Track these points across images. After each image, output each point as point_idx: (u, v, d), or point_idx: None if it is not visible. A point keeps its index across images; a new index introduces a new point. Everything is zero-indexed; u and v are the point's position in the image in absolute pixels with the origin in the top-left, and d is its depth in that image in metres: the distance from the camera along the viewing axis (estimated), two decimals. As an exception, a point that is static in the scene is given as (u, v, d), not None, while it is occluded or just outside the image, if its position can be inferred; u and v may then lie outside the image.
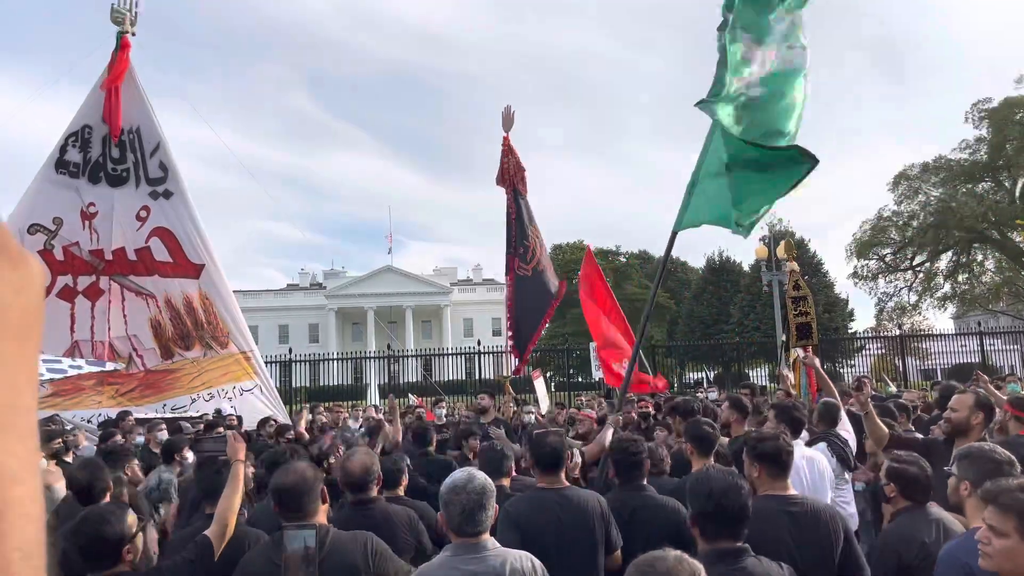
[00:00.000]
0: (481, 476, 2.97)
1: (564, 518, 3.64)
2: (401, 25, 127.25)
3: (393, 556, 3.20)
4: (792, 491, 3.53)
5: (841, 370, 30.65)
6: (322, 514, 3.15)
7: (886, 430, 4.82)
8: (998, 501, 2.39)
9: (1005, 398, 7.74)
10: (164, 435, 8.28)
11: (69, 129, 13.45)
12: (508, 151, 12.35)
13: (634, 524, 3.84)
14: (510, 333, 12.61)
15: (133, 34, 13.81)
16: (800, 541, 3.20)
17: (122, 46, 13.57)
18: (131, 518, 3.02)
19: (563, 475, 3.88)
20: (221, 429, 8.85)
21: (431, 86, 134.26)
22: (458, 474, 2.99)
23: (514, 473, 4.60)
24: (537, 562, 2.91)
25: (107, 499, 4.15)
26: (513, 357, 12.46)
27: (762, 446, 3.55)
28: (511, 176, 12.44)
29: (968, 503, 2.85)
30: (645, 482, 4.12)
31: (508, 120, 12.45)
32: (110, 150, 13.46)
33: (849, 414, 6.10)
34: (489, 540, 2.89)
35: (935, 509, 3.33)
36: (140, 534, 3.07)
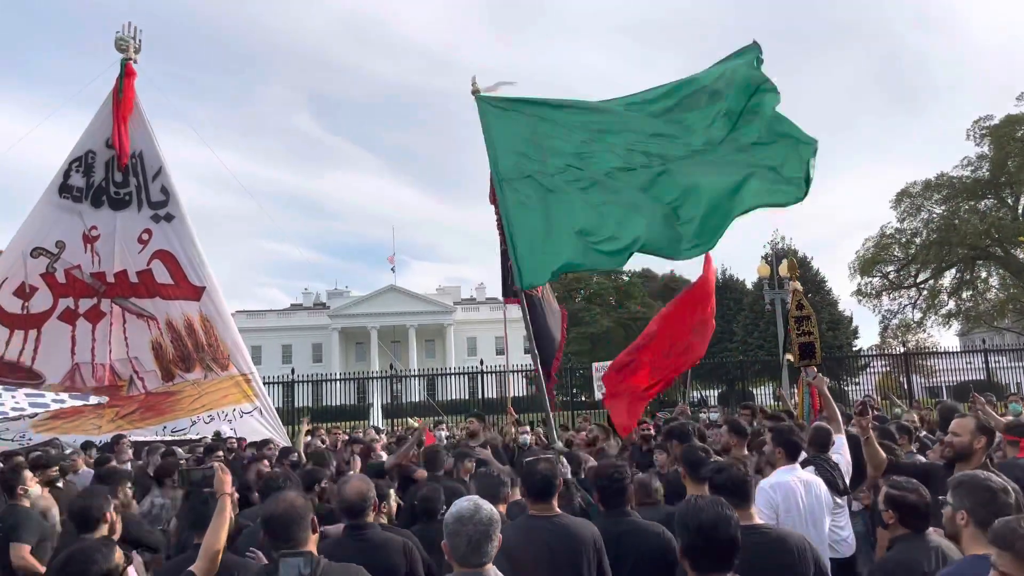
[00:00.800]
0: (487, 507, 2.90)
1: (555, 547, 3.57)
2: (403, 46, 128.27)
3: None
4: (756, 520, 3.53)
5: (845, 388, 30.54)
6: (312, 544, 3.09)
7: (884, 456, 4.77)
8: (1015, 548, 2.26)
9: (1005, 421, 7.72)
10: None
11: (73, 154, 13.58)
12: None
13: (620, 550, 3.80)
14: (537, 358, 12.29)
15: (136, 61, 13.97)
16: (763, 572, 3.13)
17: (127, 73, 13.74)
18: (117, 555, 2.98)
19: (555, 502, 3.81)
20: (221, 453, 8.84)
21: (433, 106, 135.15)
22: (463, 503, 2.90)
23: (513, 497, 4.57)
24: None
25: (104, 527, 4.10)
26: (545, 381, 12.17)
27: (719, 477, 3.58)
28: None
29: (965, 532, 2.79)
30: (630, 508, 4.08)
31: None
32: (113, 174, 13.59)
33: (850, 436, 6.05)
34: (491, 569, 2.83)
35: (934, 536, 3.29)
36: (127, 569, 3.03)
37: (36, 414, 8.27)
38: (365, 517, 3.77)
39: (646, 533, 3.87)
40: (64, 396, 7.93)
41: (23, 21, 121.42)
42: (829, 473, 5.13)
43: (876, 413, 11.48)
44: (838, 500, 5.15)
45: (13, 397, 7.09)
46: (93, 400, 9.53)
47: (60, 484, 6.86)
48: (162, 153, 13.85)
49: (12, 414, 6.99)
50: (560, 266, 6.28)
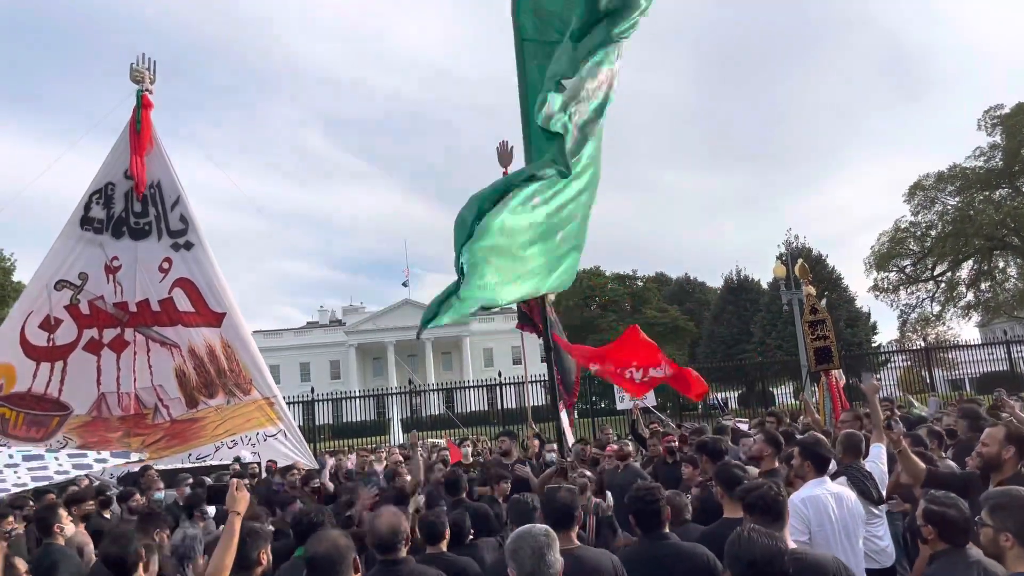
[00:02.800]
0: (542, 524, 3.00)
1: None
2: (411, 62, 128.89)
3: None
4: (790, 542, 3.43)
5: (860, 385, 30.28)
6: None
7: (923, 466, 4.67)
8: None
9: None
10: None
11: (92, 187, 13.77)
12: None
13: (661, 574, 3.77)
14: (559, 377, 12.38)
15: (152, 92, 14.15)
16: None
17: (144, 104, 13.92)
18: None
19: (574, 534, 3.75)
20: (246, 481, 8.88)
21: (442, 119, 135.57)
22: (522, 527, 3.01)
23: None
24: None
25: (139, 572, 4.03)
26: (566, 399, 12.26)
27: (750, 496, 3.54)
28: None
29: (1010, 554, 2.76)
30: (667, 530, 4.05)
31: (505, 156, 12.40)
32: (132, 204, 13.77)
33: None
34: None
35: (975, 551, 3.26)
36: None
37: (80, 476, 8.33)
38: (397, 552, 3.72)
39: (688, 555, 3.83)
40: (106, 455, 7.96)
41: (38, 49, 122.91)
42: (862, 482, 5.04)
43: (900, 413, 11.40)
44: (874, 510, 5.09)
45: (56, 459, 7.15)
46: (135, 457, 9.61)
47: (107, 515, 6.91)
48: (179, 182, 14.01)
49: (57, 478, 7.05)
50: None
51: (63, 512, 5.82)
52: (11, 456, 7.02)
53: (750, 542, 2.71)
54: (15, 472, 6.80)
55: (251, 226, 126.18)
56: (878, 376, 31.48)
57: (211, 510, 6.86)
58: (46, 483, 7.14)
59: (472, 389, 28.79)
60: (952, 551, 3.30)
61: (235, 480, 3.76)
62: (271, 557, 3.87)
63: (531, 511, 4.16)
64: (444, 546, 4.50)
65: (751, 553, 2.67)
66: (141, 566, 4.06)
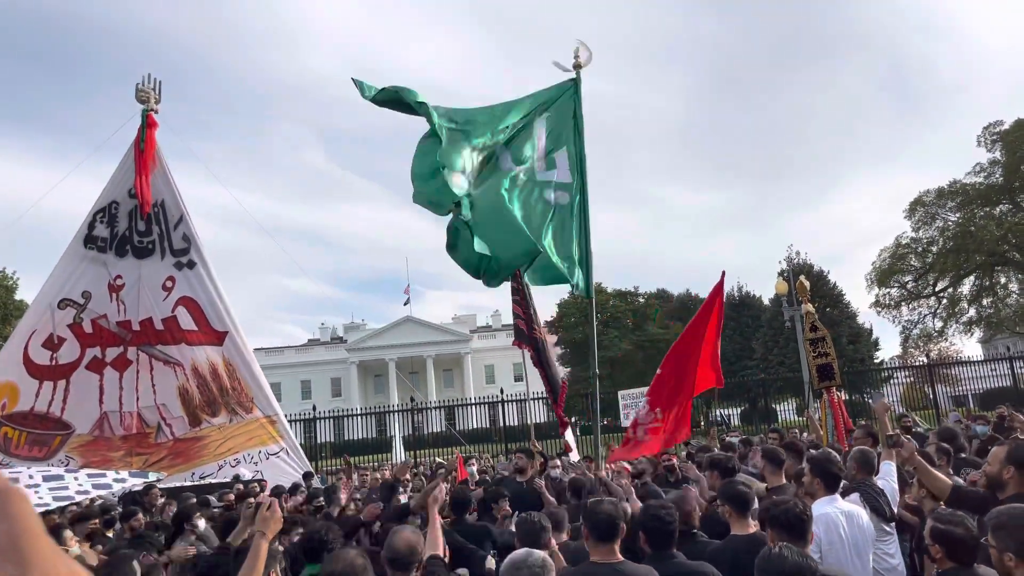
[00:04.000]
0: (539, 553, 2.96)
1: None
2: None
3: None
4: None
5: (870, 401, 30.19)
6: None
7: (948, 482, 4.62)
8: None
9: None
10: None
11: (97, 205, 13.85)
12: None
13: None
14: (549, 392, 12.32)
15: (157, 111, 14.25)
16: None
17: (148, 124, 14.02)
18: None
19: (617, 547, 3.72)
20: (252, 500, 8.85)
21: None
22: (517, 552, 2.99)
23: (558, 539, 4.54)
24: None
25: None
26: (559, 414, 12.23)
27: (776, 511, 3.53)
28: None
29: (1016, 574, 2.75)
30: (674, 549, 4.03)
31: None
32: (136, 223, 13.83)
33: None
34: None
35: (983, 570, 3.26)
36: None
37: (100, 496, 8.31)
38: (409, 572, 3.64)
39: (694, 574, 3.83)
40: (125, 475, 7.97)
41: (41, 69, 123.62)
42: (875, 499, 5.02)
43: (910, 427, 11.37)
44: (885, 527, 5.07)
45: (76, 479, 7.15)
46: (152, 477, 9.60)
47: (110, 533, 6.89)
48: (183, 201, 14.09)
49: (77, 498, 7.05)
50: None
51: (68, 533, 5.81)
52: (31, 476, 7.03)
53: (781, 558, 2.72)
54: (36, 493, 6.81)
55: (252, 243, 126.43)
56: (881, 392, 31.47)
57: (201, 524, 6.82)
58: (67, 503, 7.14)
59: (474, 406, 28.73)
60: (959, 570, 3.29)
61: (270, 499, 3.64)
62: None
63: (540, 530, 4.15)
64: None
65: (782, 568, 2.67)
66: None
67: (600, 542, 3.69)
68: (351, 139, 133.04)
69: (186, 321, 13.67)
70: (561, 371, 12.97)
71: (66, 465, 12.31)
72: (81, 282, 13.51)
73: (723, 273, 8.84)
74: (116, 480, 7.60)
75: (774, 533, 3.45)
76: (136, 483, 8.57)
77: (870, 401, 9.18)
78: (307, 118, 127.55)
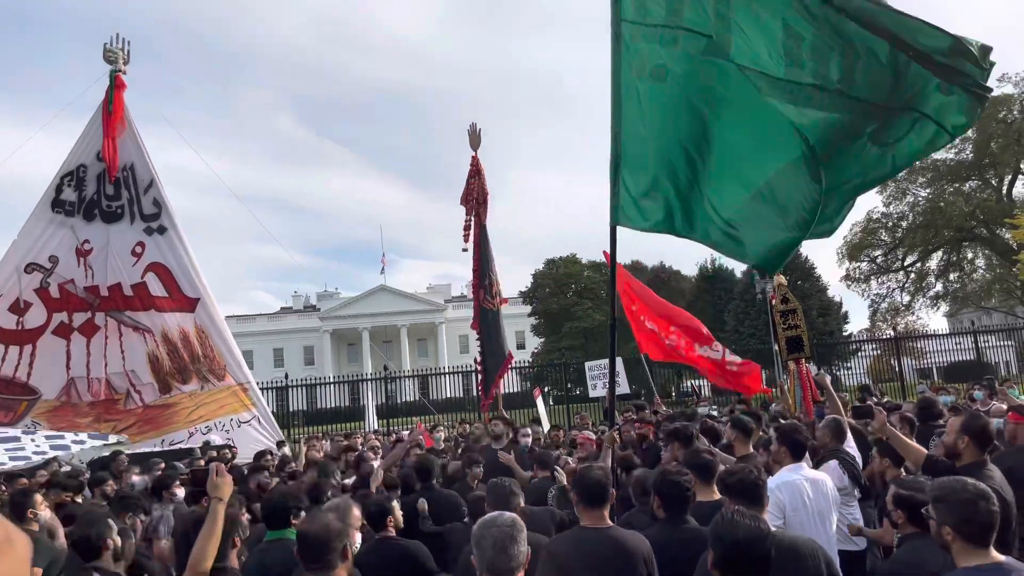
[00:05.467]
0: (509, 514, 2.95)
1: (608, 560, 3.55)
2: (383, 44, 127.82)
3: None
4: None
5: (837, 373, 30.74)
6: (344, 570, 3.02)
7: (922, 450, 4.72)
8: None
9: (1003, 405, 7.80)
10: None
11: (64, 168, 13.57)
12: (476, 172, 12.29)
13: (681, 555, 3.72)
14: (479, 365, 12.57)
15: (126, 73, 13.95)
16: None
17: (117, 85, 13.73)
18: None
19: (606, 512, 3.76)
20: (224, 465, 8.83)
21: (416, 104, 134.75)
22: (488, 514, 2.98)
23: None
24: None
25: (108, 554, 3.98)
26: (485, 394, 12.48)
27: (731, 479, 3.61)
28: (475, 199, 12.37)
29: (953, 547, 2.77)
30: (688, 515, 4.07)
31: (475, 137, 12.35)
32: (105, 187, 13.59)
33: (853, 429, 6.13)
34: None
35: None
36: None
37: (57, 457, 8.18)
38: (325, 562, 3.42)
39: (704, 538, 3.87)
40: (83, 436, 7.87)
41: (6, 29, 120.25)
42: (852, 467, 5.22)
43: (876, 400, 11.60)
44: (856, 493, 5.24)
45: (33, 440, 7.05)
46: (113, 439, 9.49)
47: (79, 499, 6.83)
48: (152, 165, 13.85)
49: (34, 459, 6.95)
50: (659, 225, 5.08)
51: (38, 497, 5.75)
52: None
53: (734, 523, 2.76)
54: None
55: (222, 210, 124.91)
56: (848, 365, 32.04)
57: (180, 492, 6.79)
58: (24, 463, 7.05)
59: (447, 376, 28.81)
60: (920, 535, 3.38)
61: (217, 465, 3.65)
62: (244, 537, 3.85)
63: (509, 495, 4.19)
64: (391, 531, 4.55)
65: (733, 533, 2.71)
66: (109, 551, 4.02)
67: (590, 507, 3.74)
68: (324, 105, 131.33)
69: (156, 287, 13.50)
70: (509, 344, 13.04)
71: (31, 432, 12.20)
72: (48, 246, 13.27)
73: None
74: (75, 442, 7.51)
75: (731, 500, 3.52)
76: (96, 444, 8.47)
77: (814, 378, 9.27)
78: (278, 83, 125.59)
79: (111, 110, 13.57)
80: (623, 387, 16.12)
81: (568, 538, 3.74)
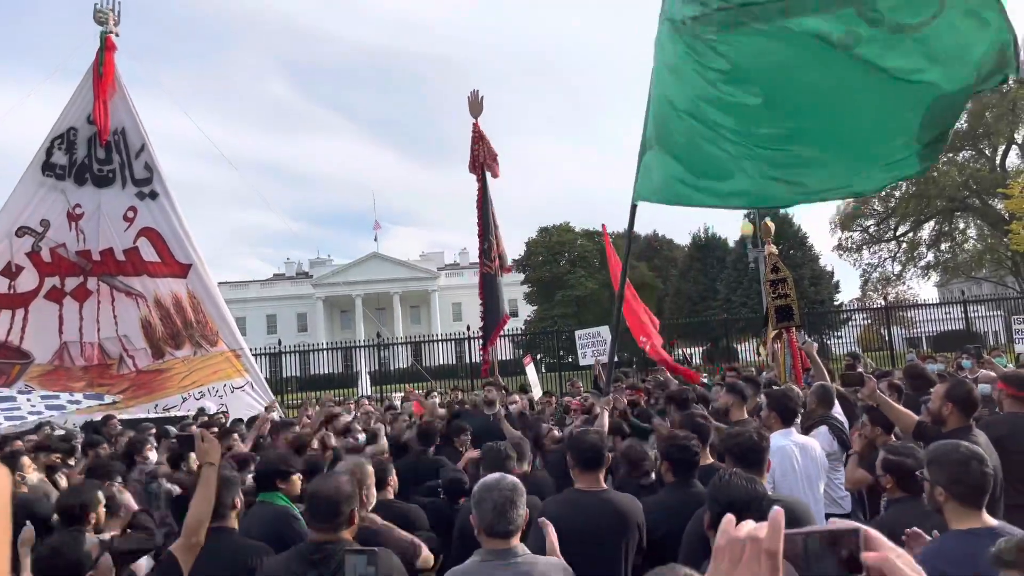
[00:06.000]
0: (511, 477, 3.01)
1: (602, 522, 3.61)
2: (377, 9, 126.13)
3: None
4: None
5: (828, 342, 30.94)
6: (349, 534, 3.07)
7: (913, 416, 4.77)
8: None
9: (992, 373, 7.88)
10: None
11: (54, 131, 13.42)
12: (479, 138, 12.30)
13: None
14: (482, 329, 12.80)
15: (117, 34, 13.75)
16: None
17: (107, 47, 13.54)
18: (90, 544, 2.94)
19: (601, 476, 3.82)
20: (215, 429, 8.85)
21: (410, 71, 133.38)
22: (489, 476, 3.04)
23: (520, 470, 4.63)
24: (568, 570, 2.92)
25: (94, 518, 4.03)
26: (483, 356, 12.73)
27: (732, 442, 3.65)
28: (482, 163, 12.41)
29: (946, 508, 2.83)
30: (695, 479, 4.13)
31: (476, 105, 12.32)
32: (95, 151, 13.46)
33: (840, 395, 6.22)
34: (519, 545, 2.89)
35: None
36: (107, 556, 2.99)
37: (52, 417, 8.16)
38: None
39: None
40: (79, 396, 7.84)
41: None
42: (840, 431, 5.31)
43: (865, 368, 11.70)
44: (842, 459, 5.34)
45: (28, 400, 7.05)
46: (108, 399, 9.48)
47: (71, 462, 6.85)
48: (144, 129, 13.72)
49: (30, 418, 6.94)
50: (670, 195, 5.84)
51: (26, 460, 5.78)
52: None
53: (730, 485, 2.80)
54: None
55: (213, 176, 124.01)
56: (839, 334, 32.25)
57: (152, 456, 6.79)
58: (19, 423, 7.06)
59: (440, 343, 28.86)
60: (908, 499, 3.44)
61: (200, 430, 3.63)
62: (243, 500, 3.88)
63: (505, 458, 4.24)
64: (391, 494, 4.58)
65: (729, 495, 2.76)
66: (95, 515, 4.05)
67: (585, 470, 3.79)
68: (317, 71, 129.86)
69: (148, 253, 13.45)
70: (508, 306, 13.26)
71: (27, 392, 12.21)
72: (39, 210, 13.16)
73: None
74: (70, 401, 7.51)
75: (730, 462, 3.56)
76: (91, 404, 8.47)
77: (800, 345, 9.36)
78: (269, 47, 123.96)
79: (101, 72, 13.39)
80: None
81: (563, 500, 3.80)
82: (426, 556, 3.82)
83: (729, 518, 0.96)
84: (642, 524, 3.69)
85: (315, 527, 3.04)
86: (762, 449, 3.59)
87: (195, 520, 3.29)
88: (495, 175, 12.43)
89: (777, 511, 0.92)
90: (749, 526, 0.94)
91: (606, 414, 5.55)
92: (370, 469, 3.71)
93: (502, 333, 17.66)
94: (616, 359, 18.15)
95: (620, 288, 6.50)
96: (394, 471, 4.80)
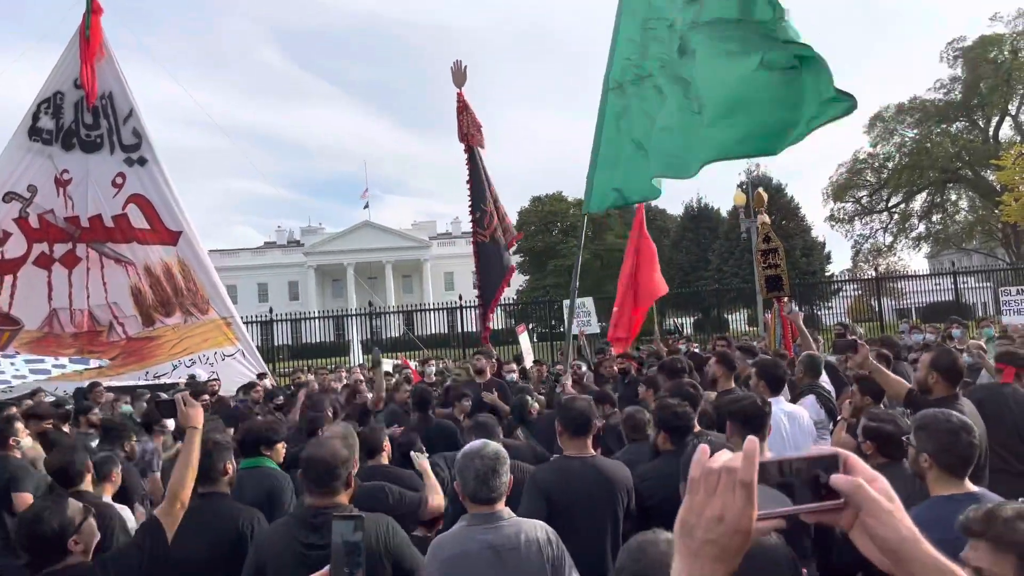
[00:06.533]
0: (495, 444, 3.03)
1: (592, 488, 3.65)
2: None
3: (408, 544, 3.11)
4: (767, 454, 3.59)
5: (818, 313, 31.11)
6: (345, 498, 3.06)
7: (905, 384, 4.79)
8: (991, 536, 1.89)
9: (981, 342, 7.96)
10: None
11: (41, 95, 13.25)
12: (463, 108, 12.21)
13: None
14: (479, 298, 12.85)
15: None
16: None
17: (93, 10, 13.32)
18: (72, 509, 2.93)
19: (590, 442, 3.86)
20: (206, 397, 8.90)
21: (401, 39, 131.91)
22: (473, 443, 3.06)
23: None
24: (552, 532, 2.95)
25: (86, 481, 4.07)
26: (482, 324, 12.77)
27: (734, 407, 3.69)
28: (467, 134, 12.35)
29: (929, 474, 2.87)
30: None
31: (459, 75, 12.20)
32: (83, 116, 13.29)
33: (827, 365, 6.26)
34: (504, 510, 2.93)
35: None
36: (90, 520, 2.99)
37: (38, 380, 8.14)
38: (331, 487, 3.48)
39: None
40: (64, 361, 7.82)
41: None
42: (829, 401, 5.35)
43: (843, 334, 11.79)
44: (831, 426, 5.40)
45: (13, 364, 7.03)
46: (94, 364, 9.46)
47: (65, 428, 6.89)
48: (132, 95, 13.54)
49: (14, 383, 6.92)
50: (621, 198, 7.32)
51: (20, 425, 5.79)
52: None
53: (721, 449, 2.82)
54: None
55: (202, 143, 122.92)
56: (829, 304, 32.42)
57: (170, 424, 6.87)
58: (3, 387, 7.05)
59: (432, 312, 28.90)
60: (889, 464, 3.49)
61: (181, 396, 3.56)
62: (236, 466, 3.90)
63: (493, 428, 4.27)
64: (385, 459, 4.59)
65: None
66: (89, 476, 4.08)
67: (574, 436, 3.82)
68: (307, 37, 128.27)
69: (138, 219, 13.35)
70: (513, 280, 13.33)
71: (11, 356, 12.21)
72: (27, 175, 13.03)
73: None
74: (55, 366, 7.49)
75: (733, 427, 3.59)
76: (77, 368, 8.45)
77: (785, 314, 9.41)
78: (261, 14, 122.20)
79: (88, 36, 13.18)
80: (593, 327, 16.25)
81: (552, 467, 3.84)
82: (435, 505, 3.93)
83: (703, 448, 0.97)
84: (631, 489, 3.73)
85: (313, 491, 3.04)
86: (764, 414, 3.64)
87: (177, 484, 3.26)
88: (480, 146, 12.34)
89: (751, 439, 0.93)
90: (724, 456, 0.95)
91: (570, 382, 5.61)
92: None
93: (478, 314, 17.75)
94: (597, 330, 18.23)
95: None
96: (387, 438, 4.82)
